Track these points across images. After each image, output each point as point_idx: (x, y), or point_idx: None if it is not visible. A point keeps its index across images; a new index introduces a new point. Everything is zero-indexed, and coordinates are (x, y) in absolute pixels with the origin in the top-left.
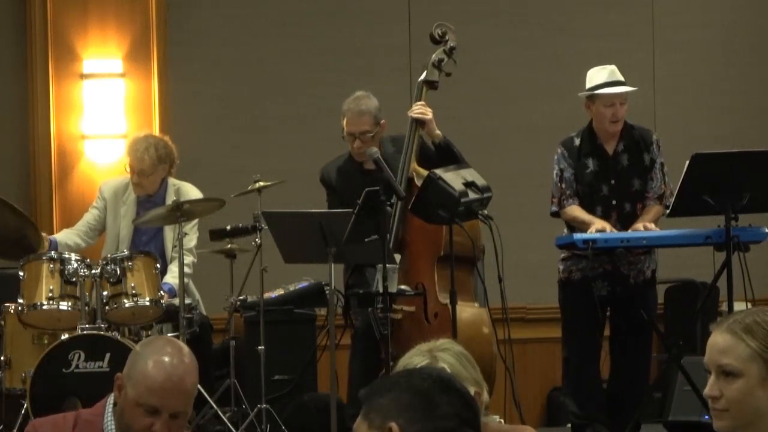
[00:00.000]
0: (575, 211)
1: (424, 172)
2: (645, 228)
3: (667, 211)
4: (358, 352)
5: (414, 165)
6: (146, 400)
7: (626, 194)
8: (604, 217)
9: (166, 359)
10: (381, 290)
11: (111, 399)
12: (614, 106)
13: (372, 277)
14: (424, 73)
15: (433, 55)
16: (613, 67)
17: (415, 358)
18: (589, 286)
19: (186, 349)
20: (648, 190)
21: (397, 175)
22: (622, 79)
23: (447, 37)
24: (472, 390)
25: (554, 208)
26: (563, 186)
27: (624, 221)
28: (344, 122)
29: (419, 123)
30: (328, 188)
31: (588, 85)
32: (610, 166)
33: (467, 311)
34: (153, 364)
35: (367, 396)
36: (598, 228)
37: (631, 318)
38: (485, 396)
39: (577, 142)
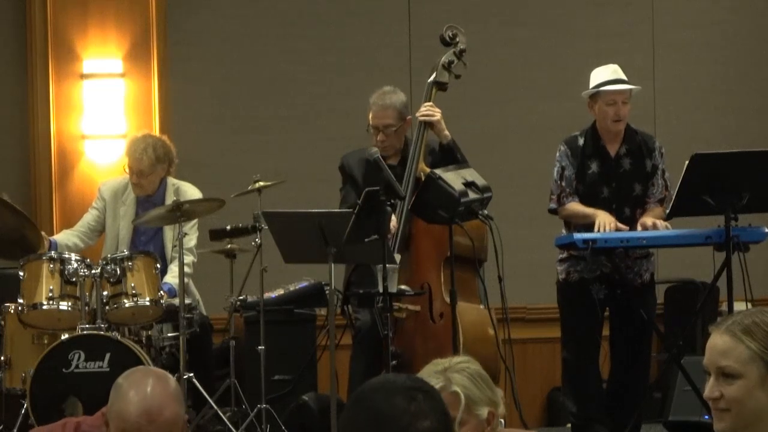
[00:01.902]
0: (575, 206)
1: None
2: (653, 224)
3: (667, 212)
4: (360, 353)
5: (422, 165)
6: None
7: (626, 198)
8: None
9: (144, 390)
10: (381, 290)
11: None
12: (616, 105)
13: (376, 274)
14: (434, 75)
15: (443, 57)
16: (615, 66)
17: (430, 379)
18: (587, 286)
19: (169, 378)
20: (649, 195)
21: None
22: (624, 77)
23: (457, 39)
24: (485, 411)
25: (553, 206)
26: (563, 184)
27: (623, 225)
28: (369, 115)
29: (428, 124)
30: (346, 177)
31: (591, 85)
32: (611, 169)
33: (472, 312)
34: (130, 396)
35: (340, 429)
36: (603, 220)
37: (631, 319)
38: (501, 408)
39: (581, 141)
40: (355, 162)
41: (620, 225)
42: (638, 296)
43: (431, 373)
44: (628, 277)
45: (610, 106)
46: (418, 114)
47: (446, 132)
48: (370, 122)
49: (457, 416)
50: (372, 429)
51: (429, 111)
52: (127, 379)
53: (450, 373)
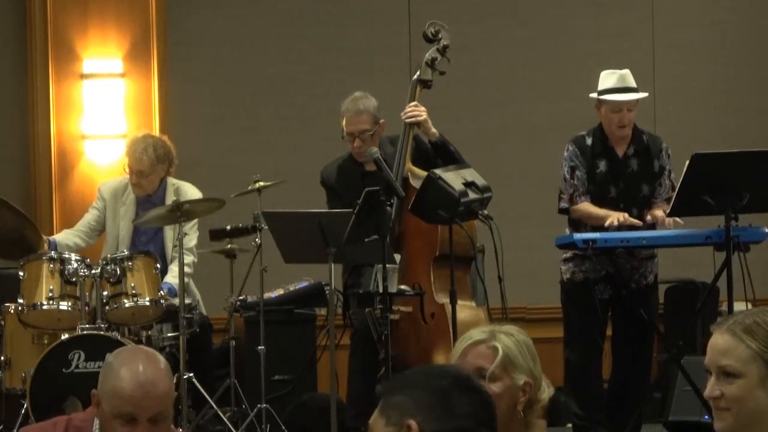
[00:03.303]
0: (589, 207)
1: (420, 172)
2: (663, 217)
3: (668, 212)
4: (358, 353)
5: (409, 164)
6: (120, 410)
7: (634, 199)
8: None
9: (136, 367)
10: (380, 290)
11: None
12: (621, 112)
13: (369, 277)
14: (418, 72)
15: (427, 54)
16: (625, 72)
17: (474, 332)
18: (591, 287)
19: (158, 355)
20: (655, 195)
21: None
22: (632, 84)
23: (440, 36)
24: (522, 379)
25: (564, 205)
26: (576, 183)
27: (630, 225)
28: (343, 122)
29: (414, 124)
30: (328, 189)
31: (599, 88)
32: (619, 169)
33: (465, 311)
34: (123, 373)
35: (385, 392)
36: (618, 219)
37: (633, 319)
38: (543, 395)
39: (589, 141)
40: (333, 172)
41: (633, 221)
42: (642, 297)
43: (480, 330)
44: (633, 278)
45: (615, 113)
46: (403, 115)
47: (433, 129)
48: (345, 129)
49: (489, 368)
50: (438, 412)
51: (414, 111)
52: (117, 358)
53: (498, 333)
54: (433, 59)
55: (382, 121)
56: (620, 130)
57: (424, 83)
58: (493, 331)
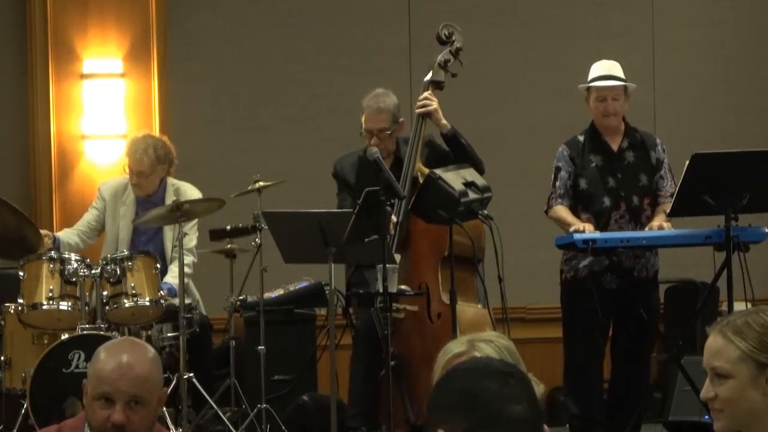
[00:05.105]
0: (560, 211)
1: None
2: (660, 226)
3: (667, 212)
4: (360, 353)
5: (419, 165)
6: (98, 390)
7: (634, 188)
8: (613, 209)
9: (118, 351)
10: (381, 290)
11: None
12: (605, 101)
13: (372, 277)
14: (430, 74)
15: (440, 56)
16: (612, 62)
17: (452, 344)
18: (595, 283)
19: (146, 345)
20: (660, 188)
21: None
22: (616, 74)
23: (454, 38)
24: None
25: (545, 207)
26: (557, 184)
27: (633, 214)
28: (363, 119)
29: (425, 116)
30: (340, 182)
31: (588, 78)
32: (615, 162)
33: (470, 312)
34: (103, 358)
35: (427, 408)
36: (579, 228)
37: (633, 319)
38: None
39: (582, 139)
40: (348, 165)
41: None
42: (644, 291)
43: (459, 341)
44: (636, 267)
45: (600, 102)
46: (415, 108)
47: (444, 121)
48: (364, 126)
49: None
50: (462, 410)
51: (425, 101)
52: (104, 346)
53: (476, 342)
54: (446, 61)
55: (401, 119)
56: (606, 120)
57: (437, 84)
58: (471, 341)
